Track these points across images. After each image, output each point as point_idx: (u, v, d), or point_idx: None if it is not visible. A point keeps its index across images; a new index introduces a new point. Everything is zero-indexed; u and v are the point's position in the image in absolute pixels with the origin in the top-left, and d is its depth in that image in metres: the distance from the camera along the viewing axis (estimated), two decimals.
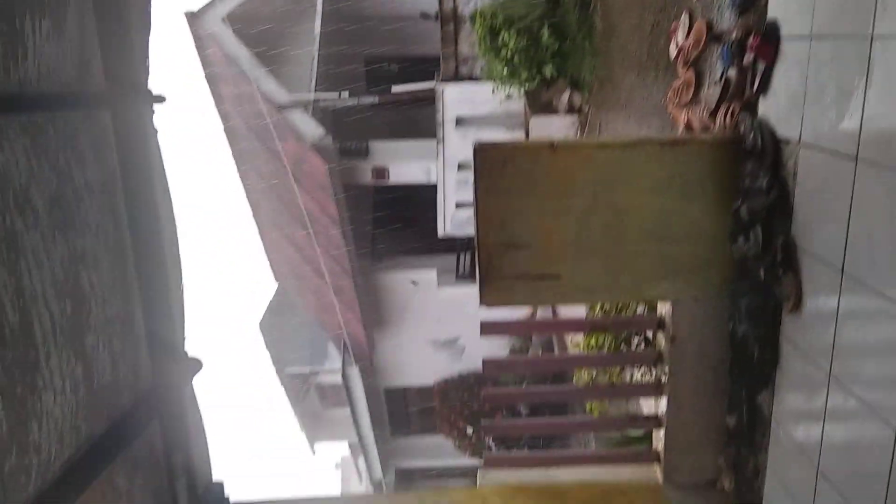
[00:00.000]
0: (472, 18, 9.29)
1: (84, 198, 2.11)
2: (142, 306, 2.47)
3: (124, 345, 2.32)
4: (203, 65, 11.81)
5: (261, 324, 15.62)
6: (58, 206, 1.96)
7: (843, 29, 2.82)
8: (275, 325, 15.46)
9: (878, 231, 2.62)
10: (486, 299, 3.72)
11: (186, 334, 2.91)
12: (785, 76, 3.33)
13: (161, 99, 3.07)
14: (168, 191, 2.94)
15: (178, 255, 2.98)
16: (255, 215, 14.46)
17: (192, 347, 2.74)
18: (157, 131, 3.16)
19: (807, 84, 3.11)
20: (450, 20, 10.49)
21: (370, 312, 13.09)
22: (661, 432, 4.24)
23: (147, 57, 3.10)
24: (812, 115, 3.08)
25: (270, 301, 16.21)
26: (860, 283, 2.76)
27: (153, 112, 3.08)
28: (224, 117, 12.62)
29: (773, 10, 3.43)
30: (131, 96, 2.71)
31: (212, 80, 12.07)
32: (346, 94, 11.19)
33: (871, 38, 2.62)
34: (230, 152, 13.14)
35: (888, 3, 2.53)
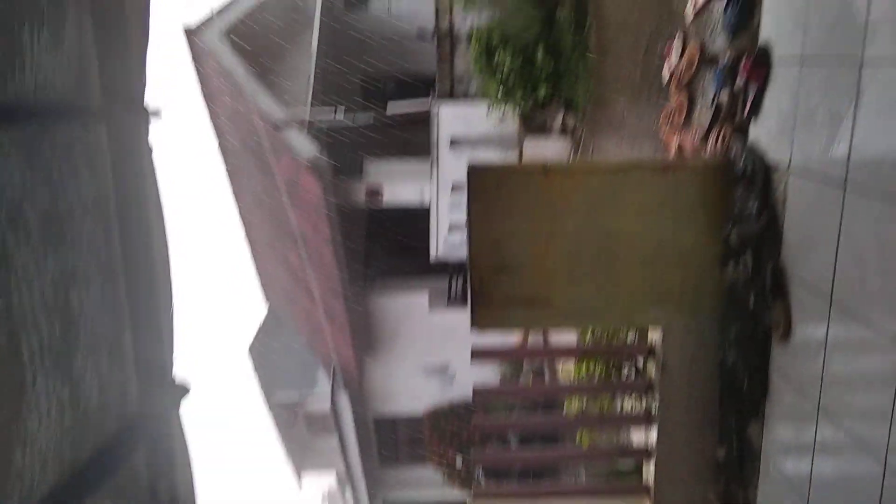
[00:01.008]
0: (468, 38, 9.38)
1: (77, 214, 2.10)
2: (131, 328, 2.45)
3: (112, 368, 2.29)
4: (200, 80, 11.84)
5: (250, 347, 15.46)
6: (50, 222, 1.95)
7: (833, 51, 2.86)
8: (264, 348, 15.29)
9: (867, 259, 2.63)
10: (477, 323, 3.71)
11: (176, 358, 2.88)
12: (776, 100, 3.37)
13: (157, 115, 3.06)
14: (161, 210, 2.92)
15: (170, 276, 2.95)
16: (247, 234, 14.40)
17: (179, 371, 2.72)
18: (152, 148, 3.14)
19: (797, 108, 3.14)
20: (446, 39, 10.57)
21: (361, 336, 13.00)
22: (651, 465, 4.21)
23: (144, 72, 3.10)
24: (802, 140, 3.11)
25: (261, 324, 16.06)
26: (849, 312, 2.76)
27: (149, 128, 3.07)
28: (219, 134, 12.62)
29: (766, 31, 3.46)
30: (127, 111, 2.71)
31: (208, 95, 12.10)
32: (341, 111, 11.22)
33: (862, 63, 2.65)
34: (224, 169, 13.14)
35: (878, 27, 2.57)
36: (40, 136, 1.89)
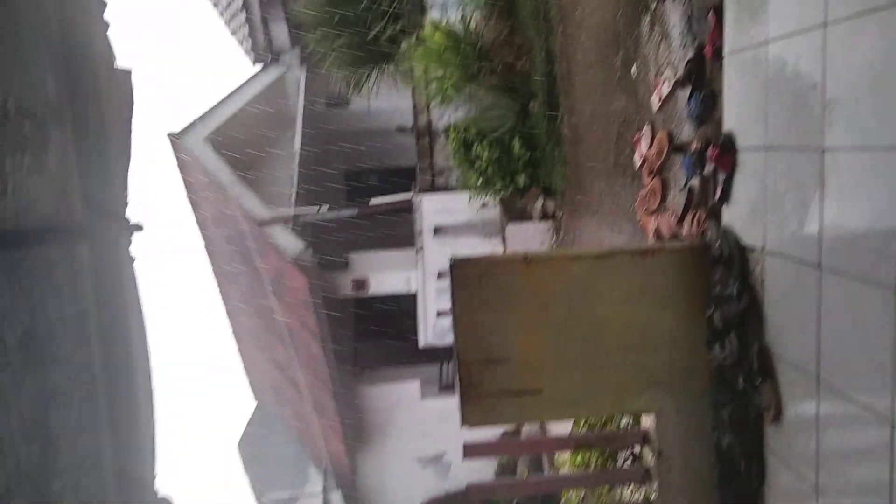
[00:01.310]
0: (446, 132, 9.67)
1: (56, 332, 2.08)
2: (111, 443, 2.39)
3: (91, 486, 2.22)
4: (185, 186, 12.05)
5: (239, 444, 15.06)
6: (29, 343, 1.94)
7: (795, 141, 2.97)
8: (254, 445, 14.90)
9: (848, 338, 2.65)
10: (467, 420, 3.65)
11: (157, 471, 2.80)
12: (745, 186, 3.47)
13: (139, 228, 3.10)
14: (143, 321, 2.91)
15: (151, 387, 2.91)
16: (234, 333, 14.30)
17: (166, 478, 2.64)
18: (134, 259, 3.15)
19: (766, 194, 3.23)
20: (424, 134, 10.91)
21: (352, 429, 12.72)
22: None
23: (126, 186, 3.16)
24: (774, 224, 3.19)
25: (249, 420, 15.72)
26: (836, 390, 2.76)
27: (131, 241, 3.10)
28: (205, 238, 12.74)
29: (729, 123, 3.61)
30: (109, 226, 2.74)
31: (193, 200, 12.28)
32: (325, 207, 11.41)
33: (823, 150, 2.76)
34: (211, 272, 13.17)
35: (833, 118, 2.69)
36: (21, 259, 1.90)
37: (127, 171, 3.07)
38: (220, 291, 13.52)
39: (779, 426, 3.24)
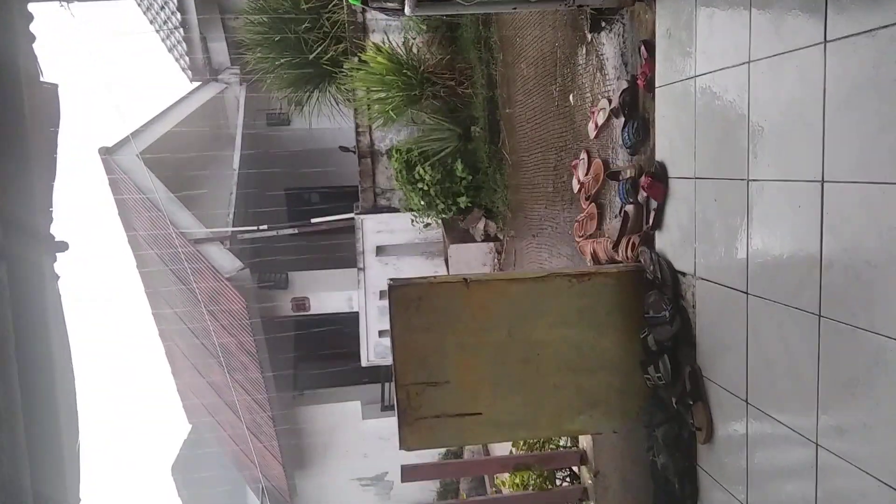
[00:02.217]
0: (389, 153, 9.68)
1: None
2: (30, 469, 2.28)
3: None
4: (116, 203, 11.66)
5: (173, 468, 14.56)
6: None
7: (722, 172, 3.10)
8: (188, 469, 14.44)
9: (775, 361, 2.76)
10: (405, 443, 3.63)
11: (81, 497, 2.69)
12: (676, 213, 3.59)
13: (63, 246, 2.98)
14: (67, 342, 2.79)
15: (75, 410, 2.79)
16: (168, 355, 13.86)
17: None
18: (58, 278, 3.03)
19: (696, 221, 3.35)
20: (367, 155, 10.88)
21: (291, 451, 12.46)
22: None
23: (50, 203, 3.03)
24: (703, 251, 3.30)
25: (183, 443, 15.23)
26: (763, 411, 2.87)
27: (55, 259, 2.97)
28: (138, 258, 12.34)
29: (660, 152, 3.74)
30: (30, 245, 2.63)
31: (125, 217, 11.89)
32: (264, 226, 11.23)
33: (748, 181, 2.89)
34: (144, 293, 12.75)
35: (758, 150, 2.82)
36: None
37: (51, 188, 2.95)
38: (154, 313, 13.09)
39: (711, 446, 3.34)
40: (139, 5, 13.00)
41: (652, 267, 3.67)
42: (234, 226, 11.06)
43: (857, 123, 2.25)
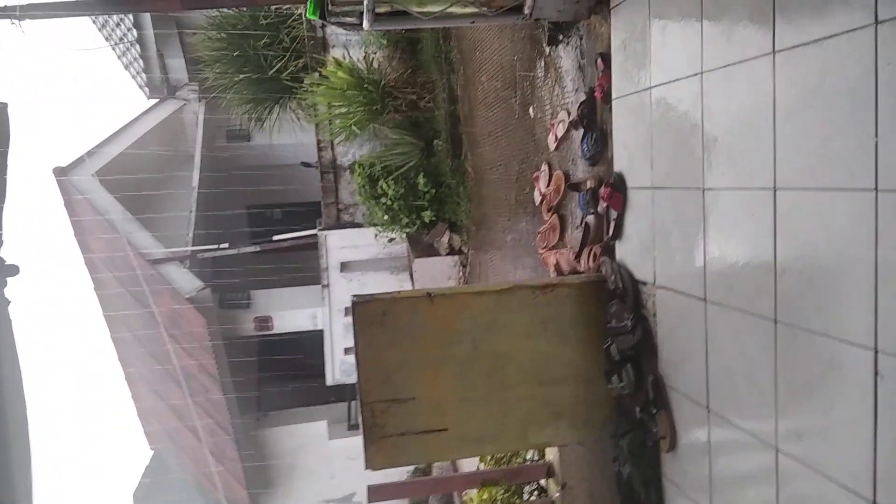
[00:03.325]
0: (351, 168, 9.64)
1: None
2: None
3: None
4: (72, 224, 11.37)
5: (135, 495, 14.17)
6: None
7: (679, 181, 3.14)
8: (150, 496, 14.06)
9: (733, 368, 2.79)
10: (371, 463, 3.57)
11: None
12: (635, 223, 3.62)
13: (14, 270, 2.89)
14: (17, 368, 2.71)
15: (27, 437, 2.70)
16: (127, 380, 13.50)
17: None
18: (9, 303, 2.95)
19: (654, 231, 3.39)
20: (329, 170, 10.82)
21: (256, 475, 12.20)
22: None
23: (0, 226, 2.93)
24: (662, 259, 3.33)
25: (145, 470, 14.83)
26: (724, 418, 2.89)
27: (5, 283, 2.89)
28: (95, 280, 12.04)
29: (619, 163, 3.78)
30: None
31: (82, 239, 11.60)
32: (225, 244, 11.06)
33: (704, 190, 2.93)
34: (102, 316, 12.42)
35: (713, 159, 2.86)
36: None
37: (0, 210, 2.86)
38: (112, 336, 12.76)
39: (675, 455, 3.35)
40: (94, 22, 12.77)
41: (613, 277, 3.69)
42: (194, 245, 10.87)
43: (805, 131, 2.30)
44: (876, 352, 2.06)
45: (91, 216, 10.69)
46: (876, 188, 2.02)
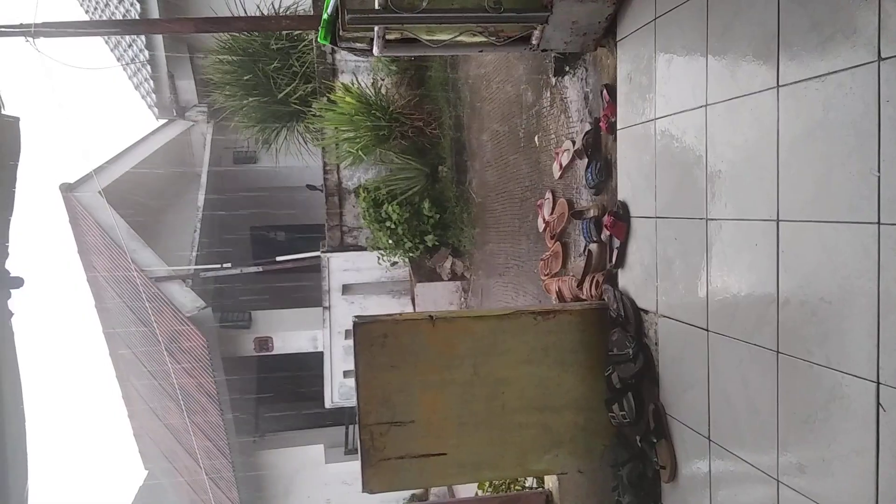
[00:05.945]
0: (356, 192, 9.70)
1: None
2: None
3: None
4: (76, 240, 11.42)
5: None
6: None
7: (681, 212, 3.17)
8: None
9: (735, 398, 2.79)
10: (369, 486, 3.55)
11: None
12: (638, 252, 3.65)
13: (19, 282, 2.90)
14: (17, 379, 2.71)
15: (24, 451, 2.69)
16: (124, 397, 13.44)
17: None
18: (12, 315, 2.96)
19: (657, 260, 3.41)
20: (334, 193, 10.89)
21: (251, 498, 12.08)
22: None
23: (6, 238, 2.96)
24: (665, 288, 3.35)
25: (139, 490, 14.69)
26: (725, 448, 2.88)
27: (9, 295, 2.90)
28: (97, 295, 12.06)
29: (622, 192, 3.81)
30: None
31: (85, 255, 11.64)
32: (228, 264, 11.09)
33: (707, 220, 2.95)
34: (101, 332, 12.42)
35: (716, 190, 2.89)
36: None
37: (8, 222, 2.89)
38: (111, 352, 12.74)
39: (675, 485, 3.33)
40: (107, 42, 12.97)
41: (615, 305, 3.70)
42: (197, 264, 10.90)
43: (808, 164, 2.33)
44: (878, 384, 2.07)
45: (95, 233, 10.74)
46: (878, 221, 2.04)
